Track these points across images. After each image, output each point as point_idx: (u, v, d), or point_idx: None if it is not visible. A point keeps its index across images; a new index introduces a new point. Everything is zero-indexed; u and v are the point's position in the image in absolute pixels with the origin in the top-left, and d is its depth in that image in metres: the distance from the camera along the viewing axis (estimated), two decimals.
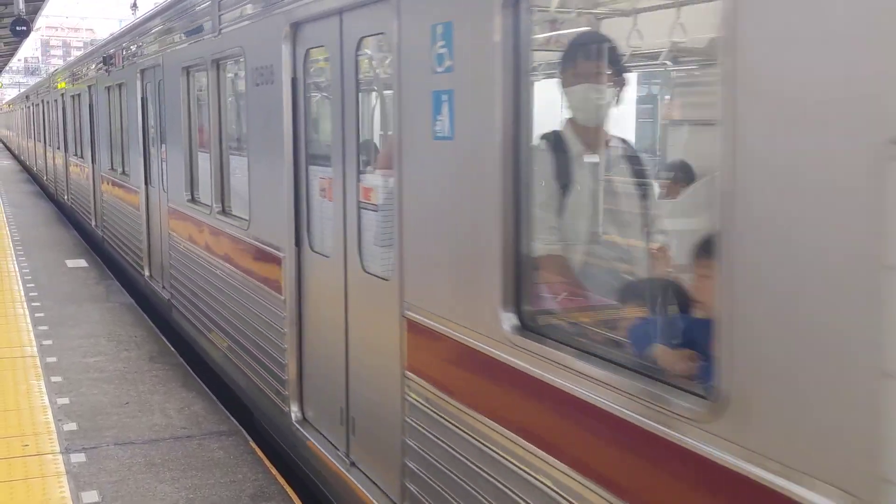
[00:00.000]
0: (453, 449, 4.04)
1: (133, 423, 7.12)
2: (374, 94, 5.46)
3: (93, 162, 16.51)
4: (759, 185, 2.37)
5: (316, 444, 5.77)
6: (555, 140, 3.89)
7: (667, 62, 4.41)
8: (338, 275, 5.40)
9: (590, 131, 3.95)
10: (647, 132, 5.17)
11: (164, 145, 10.52)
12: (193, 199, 9.07)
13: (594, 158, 3.99)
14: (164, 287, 10.59)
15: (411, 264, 4.40)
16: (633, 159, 4.14)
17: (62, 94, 21.32)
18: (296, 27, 5.88)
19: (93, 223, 16.82)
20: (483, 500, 3.80)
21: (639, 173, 4.11)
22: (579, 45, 4.07)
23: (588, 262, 4.00)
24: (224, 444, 6.70)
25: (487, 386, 3.78)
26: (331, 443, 5.65)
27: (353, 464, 5.34)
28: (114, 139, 14.17)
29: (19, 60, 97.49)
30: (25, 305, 11.19)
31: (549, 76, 4.08)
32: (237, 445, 6.68)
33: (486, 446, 3.77)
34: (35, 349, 9.15)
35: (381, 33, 4.79)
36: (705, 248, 2.91)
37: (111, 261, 14.92)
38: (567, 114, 3.93)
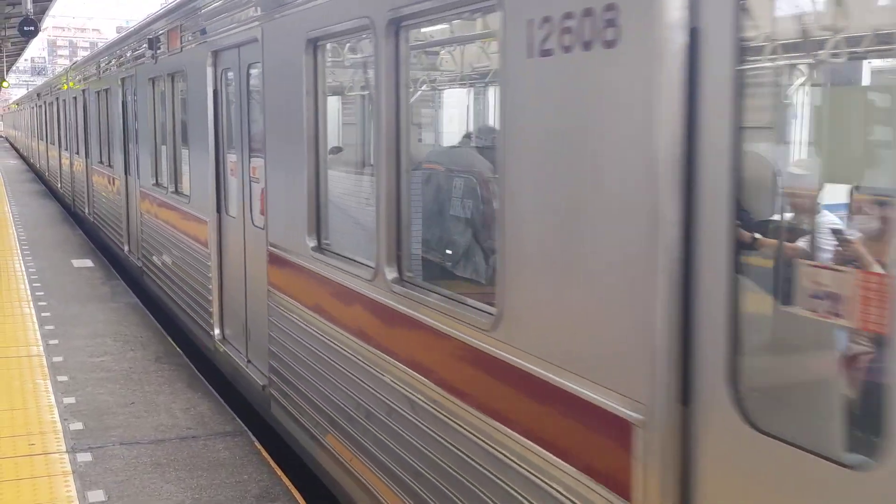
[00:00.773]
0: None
1: (139, 423, 7.19)
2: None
3: (126, 174, 13.62)
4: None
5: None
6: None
7: None
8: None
9: None
10: None
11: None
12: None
13: None
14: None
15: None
16: None
17: (83, 91, 18.80)
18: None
19: (126, 248, 14.05)
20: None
21: None
22: None
23: None
24: (229, 444, 6.78)
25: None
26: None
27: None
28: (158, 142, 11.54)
29: (26, 60, 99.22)
30: (32, 305, 11.20)
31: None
32: (242, 446, 6.76)
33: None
34: (41, 348, 9.19)
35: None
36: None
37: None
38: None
